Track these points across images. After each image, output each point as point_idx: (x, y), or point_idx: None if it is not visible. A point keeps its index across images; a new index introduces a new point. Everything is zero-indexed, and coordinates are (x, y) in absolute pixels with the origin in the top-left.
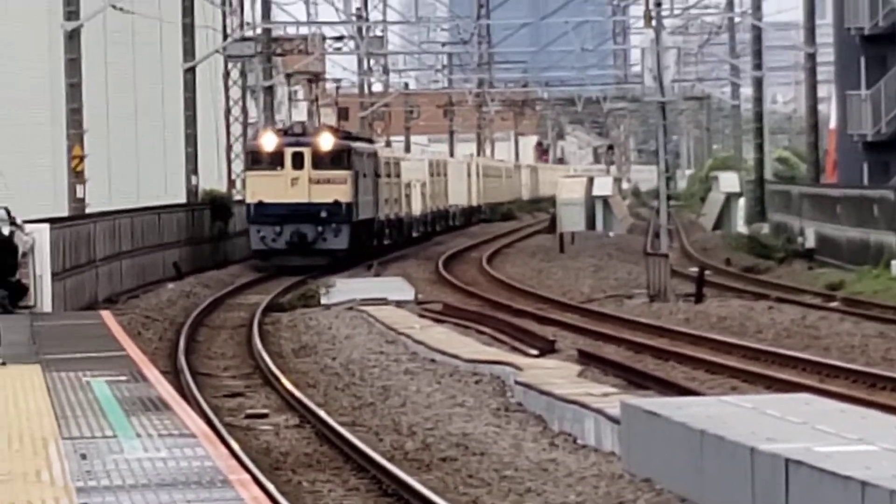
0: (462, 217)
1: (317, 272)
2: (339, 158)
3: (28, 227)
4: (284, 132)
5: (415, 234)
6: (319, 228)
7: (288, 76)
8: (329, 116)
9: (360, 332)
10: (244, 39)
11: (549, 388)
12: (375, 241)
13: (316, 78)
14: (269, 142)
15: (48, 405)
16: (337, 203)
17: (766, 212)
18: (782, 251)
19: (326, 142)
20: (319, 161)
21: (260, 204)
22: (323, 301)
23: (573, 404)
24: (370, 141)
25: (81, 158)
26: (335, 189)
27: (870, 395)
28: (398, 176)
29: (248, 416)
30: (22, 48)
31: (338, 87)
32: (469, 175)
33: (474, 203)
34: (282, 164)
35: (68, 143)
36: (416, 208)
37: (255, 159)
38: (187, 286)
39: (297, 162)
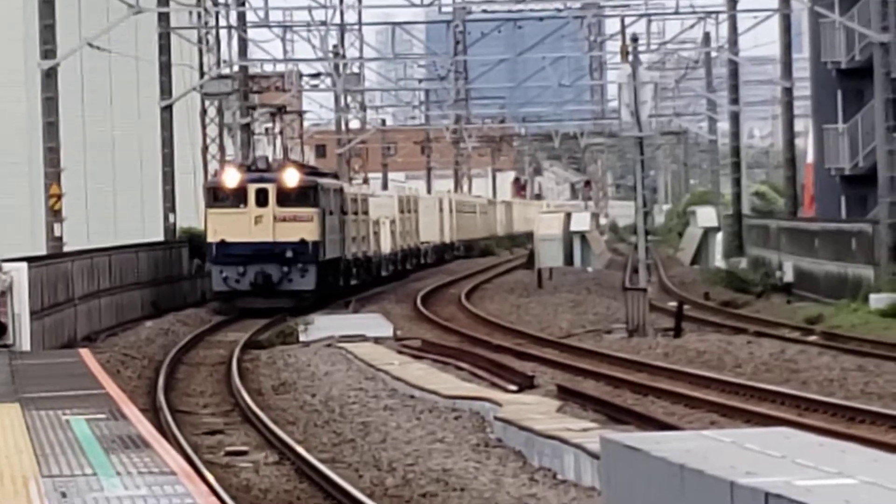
0: (434, 255)
1: (280, 315)
2: (305, 195)
3: (6, 266)
4: (247, 167)
5: (384, 273)
6: (285, 269)
7: (251, 108)
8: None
9: (340, 368)
10: (221, 77)
11: (529, 424)
12: (342, 282)
13: (279, 110)
14: (231, 178)
15: (28, 444)
16: (303, 242)
17: (743, 246)
18: (760, 285)
19: (292, 178)
20: (285, 198)
21: (222, 243)
22: (301, 338)
23: (553, 440)
24: (336, 176)
25: (59, 197)
26: (301, 227)
27: (849, 429)
28: (366, 213)
29: (228, 454)
30: None
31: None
32: (441, 211)
33: (447, 240)
34: (245, 202)
35: (46, 182)
36: (386, 246)
37: (217, 196)
38: (166, 324)
39: (261, 199)
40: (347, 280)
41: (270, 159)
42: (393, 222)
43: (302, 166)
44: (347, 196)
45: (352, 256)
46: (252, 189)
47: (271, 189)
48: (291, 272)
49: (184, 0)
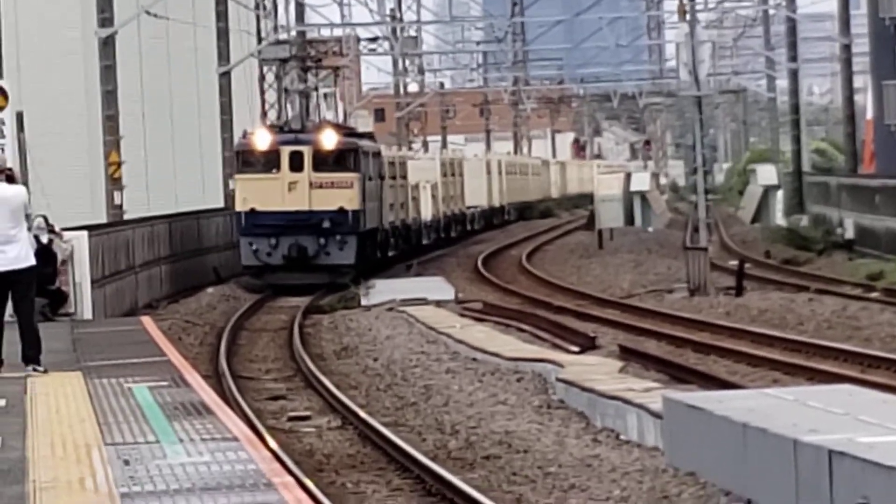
0: (482, 220)
1: (320, 291)
2: (344, 159)
3: (66, 234)
4: (279, 129)
5: (425, 242)
6: (322, 240)
7: (305, 69)
8: (364, 118)
9: (401, 332)
10: (279, 42)
11: (591, 385)
12: (379, 253)
13: (335, 70)
14: (261, 140)
15: (90, 412)
16: (342, 211)
17: (804, 204)
18: (821, 243)
19: (329, 139)
20: (322, 162)
21: (252, 212)
22: (363, 302)
23: (615, 400)
24: (372, 138)
25: (119, 165)
26: (340, 195)
27: None
28: (404, 177)
29: (291, 419)
30: (56, 55)
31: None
32: (489, 173)
33: (496, 204)
34: (277, 166)
35: (105, 150)
36: (427, 213)
37: (247, 161)
38: (227, 290)
39: (296, 163)
40: (385, 251)
41: (304, 117)
42: (435, 186)
43: (339, 127)
44: (385, 159)
45: (389, 225)
46: (285, 152)
47: (306, 152)
48: (329, 244)
49: None
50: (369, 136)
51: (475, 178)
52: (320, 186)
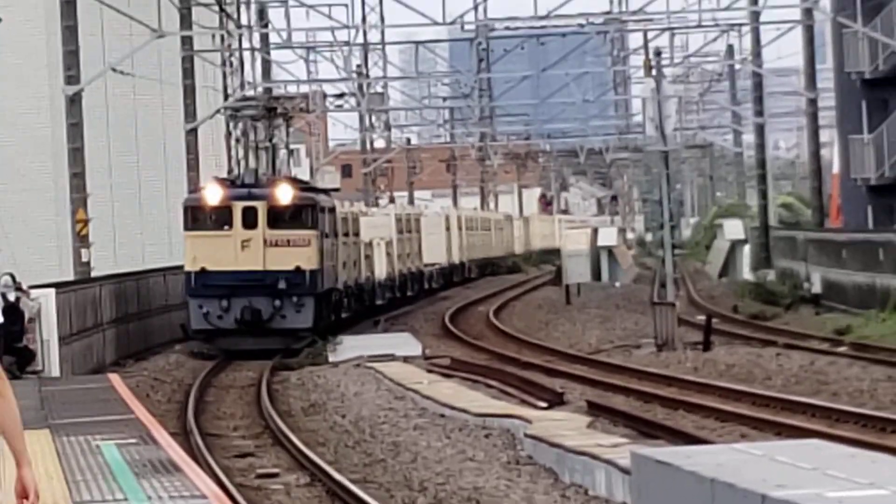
0: (441, 278)
1: (275, 357)
2: (301, 215)
3: (34, 292)
4: (231, 182)
5: (379, 302)
6: (277, 302)
7: (271, 125)
8: (332, 174)
9: (369, 388)
10: (245, 99)
11: (559, 441)
12: (332, 316)
13: (269, 112)
14: (212, 194)
15: (58, 470)
16: (299, 271)
17: (771, 258)
18: (789, 297)
19: (285, 194)
20: (277, 218)
21: (202, 272)
22: (330, 358)
23: (583, 456)
24: (327, 193)
25: (86, 222)
26: (297, 253)
27: (880, 440)
28: (356, 234)
29: (259, 476)
30: (23, 112)
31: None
32: (448, 229)
33: (456, 261)
34: (230, 223)
35: (72, 207)
36: (381, 271)
37: (196, 217)
38: (194, 347)
39: (250, 219)
40: (339, 312)
41: (258, 171)
42: (389, 244)
43: (294, 180)
44: (338, 215)
45: (342, 285)
46: (238, 207)
47: (261, 207)
48: (285, 307)
49: (206, 23)
50: (324, 190)
51: (433, 235)
52: (275, 244)
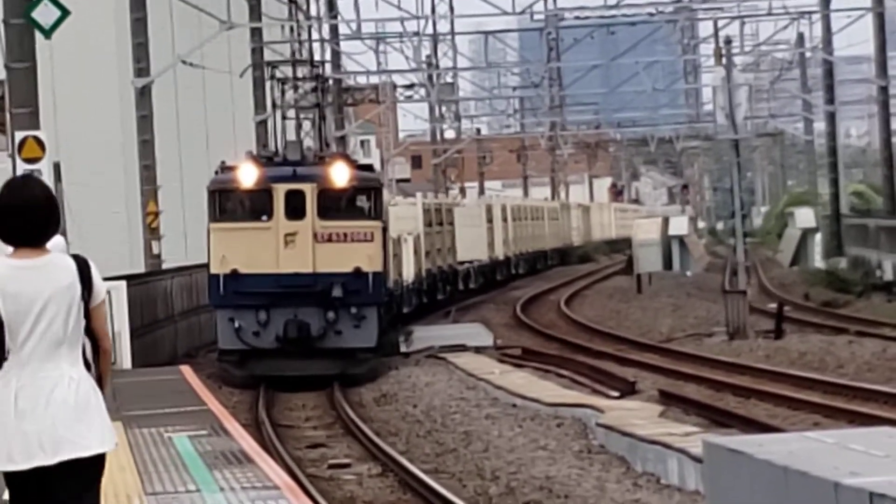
0: (480, 276)
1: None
2: (362, 201)
3: (105, 284)
4: (268, 159)
5: (405, 310)
6: (330, 315)
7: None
8: (402, 165)
9: (441, 378)
10: (315, 90)
11: (631, 430)
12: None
13: (320, 79)
14: (247, 175)
15: (130, 462)
16: (359, 274)
17: (843, 246)
18: (861, 285)
19: (341, 174)
20: (332, 205)
21: (234, 276)
22: (402, 349)
23: (656, 444)
24: (373, 170)
25: (156, 214)
26: (356, 251)
27: None
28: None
29: (331, 467)
30: (93, 104)
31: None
32: (490, 221)
33: (500, 256)
34: (269, 212)
35: (143, 200)
36: (408, 273)
37: (226, 204)
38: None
39: (295, 207)
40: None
41: (304, 146)
42: (417, 239)
43: (348, 157)
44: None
45: None
46: (280, 192)
47: (310, 191)
48: (340, 320)
49: (275, 15)
50: (370, 167)
51: (470, 227)
52: (329, 240)
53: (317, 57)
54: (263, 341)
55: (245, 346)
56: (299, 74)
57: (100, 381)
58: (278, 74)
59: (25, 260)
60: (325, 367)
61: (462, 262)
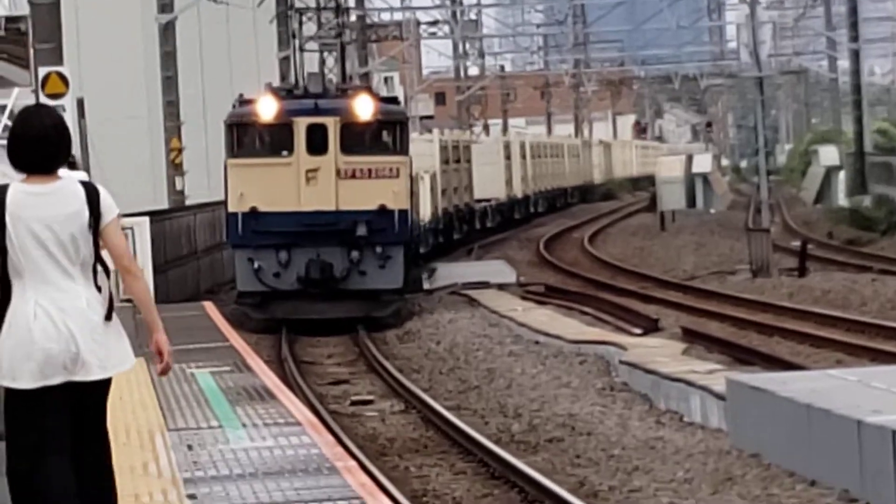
0: (498, 215)
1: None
2: (387, 135)
3: (128, 220)
4: (288, 92)
5: (422, 250)
6: (354, 255)
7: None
8: (426, 102)
9: (463, 315)
10: (339, 27)
11: (654, 367)
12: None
13: (340, 9)
14: (267, 109)
15: (153, 398)
16: (384, 211)
17: (867, 184)
18: (885, 223)
19: (365, 106)
20: (356, 140)
21: (253, 214)
22: (425, 286)
23: (678, 382)
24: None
25: (180, 150)
26: (381, 187)
27: None
28: None
29: (353, 403)
30: (116, 41)
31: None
32: (508, 158)
33: (518, 194)
34: (290, 147)
35: (166, 136)
36: (425, 212)
37: (244, 139)
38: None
39: (317, 141)
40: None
41: (326, 77)
42: (434, 177)
43: (371, 90)
44: None
45: None
46: (301, 125)
47: (332, 125)
48: (365, 261)
49: None
50: (395, 100)
51: (488, 165)
52: (352, 176)
53: None
54: (284, 283)
55: (265, 288)
56: (322, 10)
57: (111, 304)
58: (298, 4)
59: (37, 186)
60: (349, 310)
61: (479, 201)
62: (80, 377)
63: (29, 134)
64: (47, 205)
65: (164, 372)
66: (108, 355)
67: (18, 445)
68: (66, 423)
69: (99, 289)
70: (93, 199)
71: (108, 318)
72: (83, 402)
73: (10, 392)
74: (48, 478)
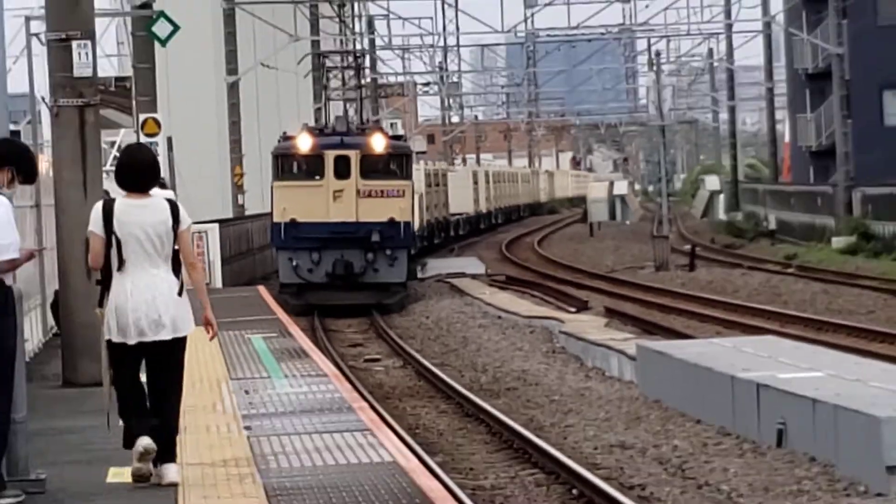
0: (467, 225)
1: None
2: (396, 164)
3: (203, 226)
4: (320, 131)
5: (412, 251)
6: (370, 256)
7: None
8: (420, 141)
9: (446, 297)
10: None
11: (584, 336)
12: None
13: (354, 58)
14: (304, 143)
15: (220, 356)
16: (393, 223)
17: (739, 203)
18: (752, 232)
19: (379, 142)
20: (371, 168)
21: (292, 224)
22: (419, 275)
23: (602, 347)
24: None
25: (241, 175)
26: (391, 204)
27: (818, 336)
28: None
29: (366, 360)
30: (197, 93)
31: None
32: (476, 183)
33: (483, 210)
34: (321, 173)
35: (231, 165)
36: (414, 222)
37: (286, 166)
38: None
39: (342, 169)
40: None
41: (349, 119)
42: (421, 197)
43: (383, 130)
44: None
45: None
46: (330, 157)
47: (354, 157)
48: (378, 260)
49: (330, 31)
50: (402, 138)
51: (461, 188)
52: (369, 195)
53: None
54: (316, 276)
55: (301, 281)
56: (344, 71)
57: (189, 285)
58: (328, 64)
59: (136, 199)
60: (366, 298)
61: (454, 215)
62: (160, 336)
63: (131, 163)
64: (144, 213)
65: (212, 338)
66: (178, 322)
67: (119, 377)
68: (150, 368)
69: (176, 274)
70: (175, 212)
71: (179, 294)
72: (164, 352)
73: (113, 345)
74: (136, 394)
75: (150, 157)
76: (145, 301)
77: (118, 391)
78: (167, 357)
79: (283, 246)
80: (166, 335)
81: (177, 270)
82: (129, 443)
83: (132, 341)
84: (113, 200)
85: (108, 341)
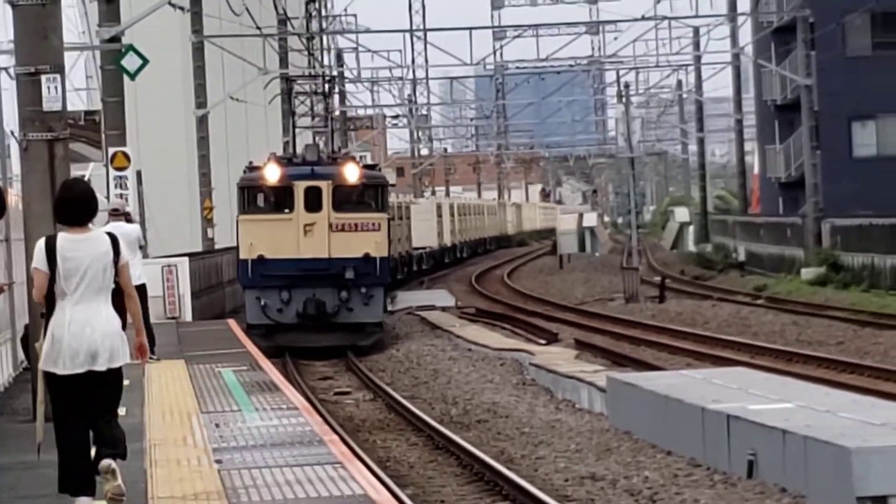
0: (431, 260)
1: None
2: (371, 196)
3: (173, 260)
4: (289, 160)
5: None
6: (343, 294)
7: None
8: (390, 174)
9: (416, 329)
10: (327, 118)
11: (554, 367)
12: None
13: (323, 82)
14: (271, 174)
15: (190, 389)
16: (368, 258)
17: (709, 235)
18: (721, 264)
19: (353, 173)
20: (345, 199)
21: (260, 261)
22: (388, 308)
23: (572, 379)
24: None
25: (210, 209)
26: (366, 239)
27: (787, 367)
28: None
29: (336, 394)
30: (166, 127)
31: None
32: (440, 216)
33: (447, 243)
34: (290, 206)
35: (201, 198)
36: None
37: (253, 199)
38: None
39: (313, 201)
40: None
41: (320, 148)
42: None
43: (356, 159)
44: None
45: None
46: (300, 188)
47: (326, 188)
48: (352, 299)
49: (298, 64)
50: (376, 167)
51: (423, 221)
52: (342, 229)
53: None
54: (286, 317)
55: (270, 321)
56: (313, 97)
57: (126, 315)
58: (297, 88)
59: (76, 234)
60: (339, 339)
61: (416, 249)
62: (96, 367)
63: (70, 198)
64: (85, 247)
65: (142, 364)
66: (114, 353)
67: (55, 410)
68: (85, 398)
69: (114, 307)
70: (115, 245)
71: (117, 326)
72: (100, 383)
73: (49, 375)
74: (70, 432)
75: (87, 191)
76: (83, 332)
77: (59, 448)
78: (102, 387)
79: (251, 284)
80: (101, 367)
81: (117, 302)
82: (64, 486)
83: (61, 372)
84: (54, 236)
85: (44, 372)
